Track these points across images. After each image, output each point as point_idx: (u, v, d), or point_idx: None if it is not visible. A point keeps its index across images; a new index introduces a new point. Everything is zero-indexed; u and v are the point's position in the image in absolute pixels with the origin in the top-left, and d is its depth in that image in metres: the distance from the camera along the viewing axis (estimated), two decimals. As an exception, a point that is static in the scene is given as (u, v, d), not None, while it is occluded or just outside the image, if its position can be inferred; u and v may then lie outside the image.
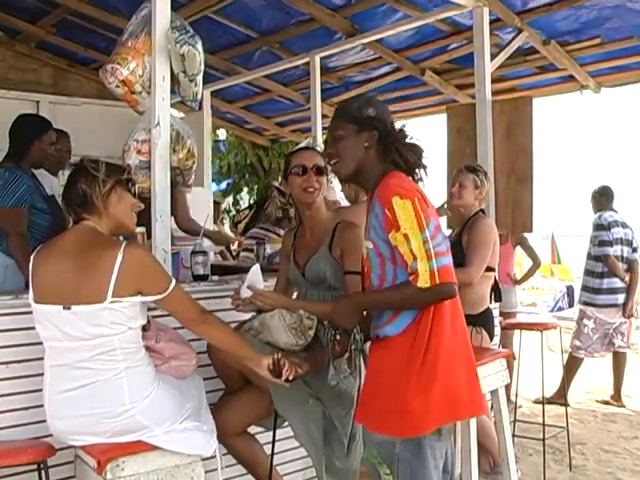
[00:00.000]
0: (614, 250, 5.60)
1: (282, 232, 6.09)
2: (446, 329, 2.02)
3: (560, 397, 5.27)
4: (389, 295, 2.07)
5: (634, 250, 5.73)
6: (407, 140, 2.18)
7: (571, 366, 5.67)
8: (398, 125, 2.22)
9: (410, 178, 2.16)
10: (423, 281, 1.93)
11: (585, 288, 5.81)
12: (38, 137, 3.68)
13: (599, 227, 5.67)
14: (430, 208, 2.06)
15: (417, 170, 2.17)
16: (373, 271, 2.12)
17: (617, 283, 5.60)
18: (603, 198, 5.80)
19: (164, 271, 2.36)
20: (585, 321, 5.71)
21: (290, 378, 2.37)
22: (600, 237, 5.64)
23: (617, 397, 5.83)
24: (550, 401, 5.34)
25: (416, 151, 2.17)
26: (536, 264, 5.94)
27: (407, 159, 2.14)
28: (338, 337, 2.27)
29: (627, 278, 5.62)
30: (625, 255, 5.67)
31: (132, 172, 2.78)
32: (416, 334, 2.00)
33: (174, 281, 2.30)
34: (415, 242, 1.95)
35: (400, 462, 1.99)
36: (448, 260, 1.98)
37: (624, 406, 5.78)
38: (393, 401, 1.99)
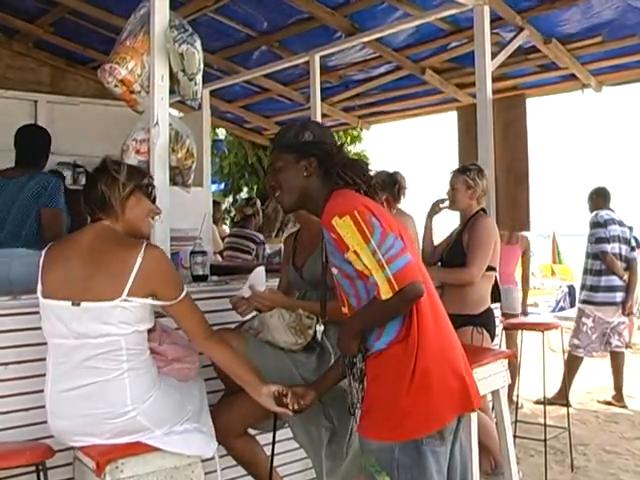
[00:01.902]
0: (611, 247, 5.61)
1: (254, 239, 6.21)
2: (430, 331, 2.00)
3: (561, 397, 5.27)
4: (366, 314, 2.05)
5: (632, 249, 5.76)
6: (347, 161, 2.18)
7: (571, 365, 5.67)
8: (337, 146, 2.22)
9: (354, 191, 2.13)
10: (385, 292, 1.90)
11: (584, 286, 5.83)
12: (50, 146, 3.95)
13: (595, 224, 5.68)
14: (380, 215, 2.00)
15: (363, 187, 2.14)
16: (348, 294, 2.10)
17: (615, 281, 5.61)
18: (600, 198, 5.82)
19: (179, 277, 2.37)
20: (584, 319, 5.72)
21: (294, 409, 2.32)
22: (597, 234, 5.65)
23: (619, 397, 5.83)
24: (551, 402, 5.34)
25: (357, 170, 2.15)
26: (524, 288, 5.92)
27: (348, 179, 2.12)
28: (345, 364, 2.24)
29: (626, 276, 5.63)
30: (623, 253, 5.69)
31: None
32: (406, 343, 1.97)
33: (186, 290, 2.31)
34: (365, 256, 1.92)
35: (400, 468, 1.96)
36: (404, 260, 1.92)
37: (626, 407, 5.78)
38: (389, 407, 1.98)
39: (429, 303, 2.02)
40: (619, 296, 5.62)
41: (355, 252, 1.94)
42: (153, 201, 2.44)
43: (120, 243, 2.25)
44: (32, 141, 3.87)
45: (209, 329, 2.37)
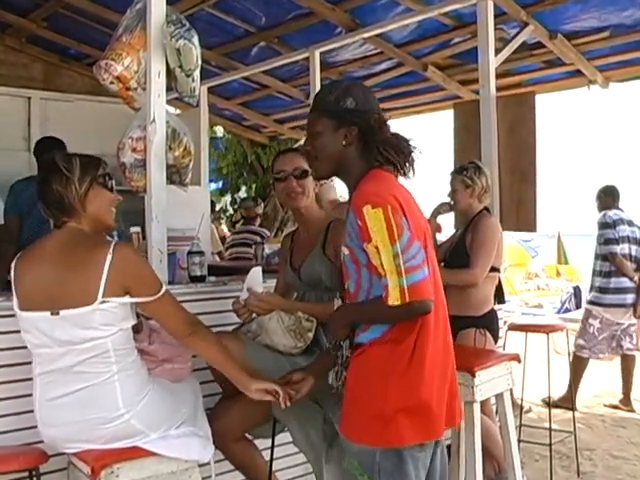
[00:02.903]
0: (621, 248, 5.60)
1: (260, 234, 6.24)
2: (431, 339, 1.98)
3: (567, 401, 5.27)
4: (365, 310, 2.05)
5: None
6: (389, 136, 2.09)
7: (577, 367, 5.68)
8: (380, 117, 2.11)
9: (395, 177, 2.09)
10: (393, 298, 1.87)
11: (592, 287, 5.82)
12: None
13: (604, 225, 5.66)
14: (410, 214, 1.96)
15: (403, 168, 2.08)
16: (350, 277, 2.07)
17: (625, 282, 5.59)
18: (609, 197, 5.80)
19: (154, 274, 2.34)
20: (591, 320, 5.71)
21: (288, 404, 2.30)
22: (606, 235, 5.63)
23: (626, 401, 5.82)
24: (557, 405, 5.34)
25: (401, 148, 2.07)
26: None
27: (389, 157, 2.06)
28: (330, 346, 2.24)
29: (636, 277, 5.60)
30: (634, 254, 5.67)
31: (126, 169, 2.79)
32: (395, 347, 1.95)
33: (165, 287, 2.30)
34: (385, 256, 1.89)
35: (381, 472, 1.96)
36: (422, 274, 1.89)
37: (634, 411, 5.77)
38: (372, 409, 1.96)
39: (435, 315, 1.99)
40: (629, 298, 5.60)
41: (377, 247, 1.90)
42: (111, 189, 2.39)
43: (87, 245, 2.22)
44: (51, 152, 4.06)
45: (192, 325, 2.34)
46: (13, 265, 2.28)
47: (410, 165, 2.09)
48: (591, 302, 5.81)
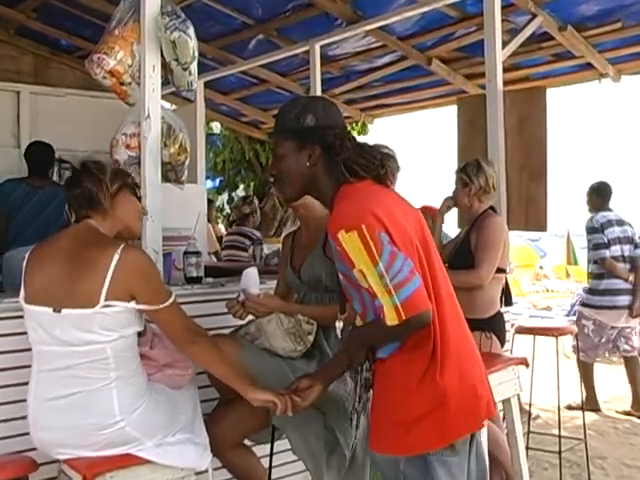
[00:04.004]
0: (613, 250, 5.67)
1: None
2: (451, 344, 1.98)
3: (590, 402, 5.39)
4: (368, 333, 2.06)
5: (636, 246, 5.77)
6: (353, 150, 2.06)
7: (585, 372, 5.74)
8: (341, 133, 2.08)
9: (371, 181, 2.06)
10: (390, 319, 1.87)
11: (584, 289, 6.04)
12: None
13: (592, 230, 5.77)
14: (391, 222, 1.92)
15: (378, 177, 2.07)
16: (353, 298, 2.08)
17: (619, 284, 5.65)
18: (598, 198, 5.87)
19: (163, 282, 2.37)
20: (584, 321, 5.83)
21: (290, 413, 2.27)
22: (594, 240, 5.74)
23: (637, 407, 5.83)
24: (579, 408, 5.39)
25: (369, 159, 2.06)
26: None
27: (357, 171, 2.03)
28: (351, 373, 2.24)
29: (631, 278, 5.66)
30: (626, 254, 5.72)
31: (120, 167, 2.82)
32: (415, 353, 1.96)
33: (174, 296, 2.30)
34: (371, 279, 1.88)
35: None
36: (412, 287, 1.87)
37: (646, 417, 5.78)
38: (394, 419, 1.97)
39: (449, 311, 2.00)
40: (622, 299, 5.65)
41: (361, 271, 1.89)
42: (139, 199, 2.50)
43: (98, 245, 2.23)
44: (43, 156, 4.75)
45: (196, 335, 2.33)
46: (26, 256, 2.31)
47: (379, 174, 2.07)
48: (582, 304, 5.99)
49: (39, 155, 4.75)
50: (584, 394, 5.37)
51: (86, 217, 2.32)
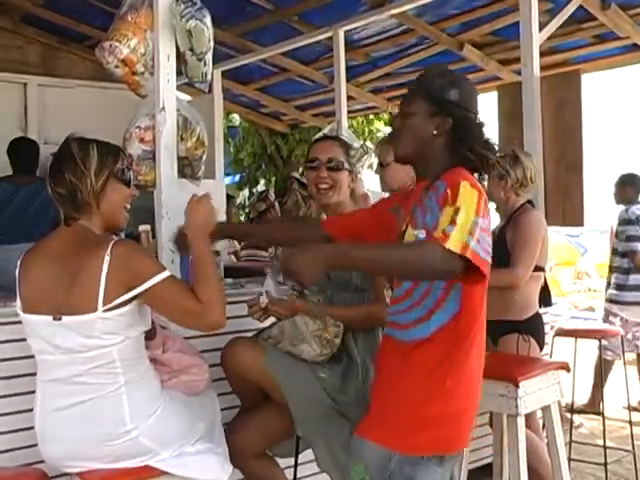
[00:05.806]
0: None
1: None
2: (476, 355, 2.05)
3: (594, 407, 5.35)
4: (395, 250, 1.96)
5: None
6: (482, 140, 2.14)
7: (605, 373, 5.73)
8: (479, 120, 2.17)
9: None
10: (453, 244, 1.83)
11: (609, 284, 6.03)
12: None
13: (626, 221, 5.81)
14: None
15: (481, 175, 2.16)
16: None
17: None
18: (631, 189, 5.90)
19: (153, 259, 2.32)
20: (611, 319, 5.87)
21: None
22: (627, 232, 5.78)
23: None
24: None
25: (487, 153, 2.13)
26: None
27: (480, 162, 2.11)
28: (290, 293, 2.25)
29: None
30: None
31: (132, 160, 2.81)
32: (455, 337, 2.00)
33: (167, 271, 2.21)
34: (463, 217, 1.88)
35: None
36: (486, 258, 1.89)
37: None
38: (408, 413, 2.00)
39: (479, 331, 2.07)
40: None
41: (456, 209, 1.90)
42: (129, 183, 2.38)
43: (90, 247, 2.20)
44: (28, 153, 4.89)
45: (201, 304, 2.18)
46: (19, 262, 2.30)
47: (489, 173, 2.22)
48: (609, 300, 6.01)
49: (25, 152, 4.90)
50: (590, 396, 5.45)
51: (74, 219, 2.27)
